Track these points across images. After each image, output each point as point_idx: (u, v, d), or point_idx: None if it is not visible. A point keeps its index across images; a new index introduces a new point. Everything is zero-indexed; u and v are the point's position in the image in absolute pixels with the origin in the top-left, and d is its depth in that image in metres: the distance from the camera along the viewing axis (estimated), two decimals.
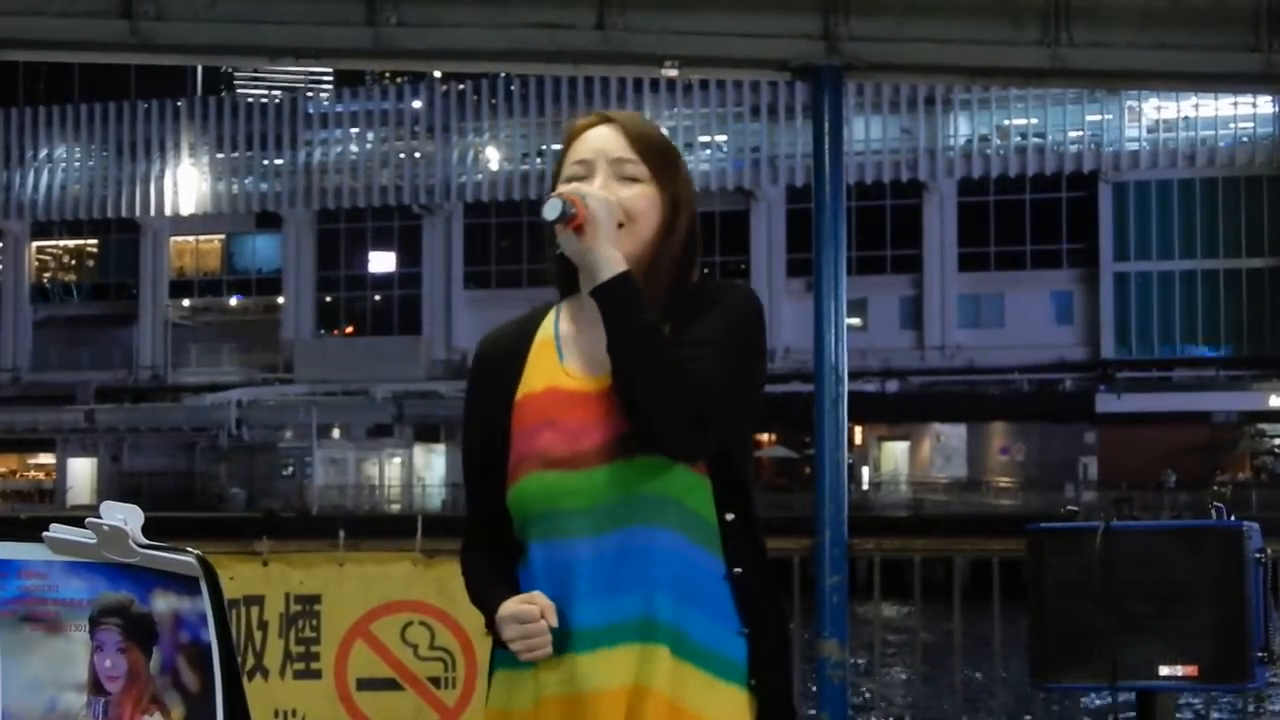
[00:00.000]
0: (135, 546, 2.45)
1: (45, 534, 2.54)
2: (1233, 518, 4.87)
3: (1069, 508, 5.91)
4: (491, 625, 2.44)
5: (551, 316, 2.56)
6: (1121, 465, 48.15)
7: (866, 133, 55.48)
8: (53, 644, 2.56)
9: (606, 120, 2.54)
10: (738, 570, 2.44)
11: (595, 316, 2.45)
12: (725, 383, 2.38)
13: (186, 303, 64.57)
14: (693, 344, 2.38)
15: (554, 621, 2.35)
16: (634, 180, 2.48)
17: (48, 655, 2.57)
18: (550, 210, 2.37)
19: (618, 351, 2.36)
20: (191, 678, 2.47)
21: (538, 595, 2.38)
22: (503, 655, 2.46)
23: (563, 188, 2.44)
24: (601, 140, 2.51)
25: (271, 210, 62.43)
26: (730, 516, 2.45)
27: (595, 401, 2.44)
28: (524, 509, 2.45)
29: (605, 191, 2.45)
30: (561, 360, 2.50)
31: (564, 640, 2.37)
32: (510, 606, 2.38)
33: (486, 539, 2.52)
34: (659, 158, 2.51)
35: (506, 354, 2.55)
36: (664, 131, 2.60)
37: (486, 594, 2.46)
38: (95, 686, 2.53)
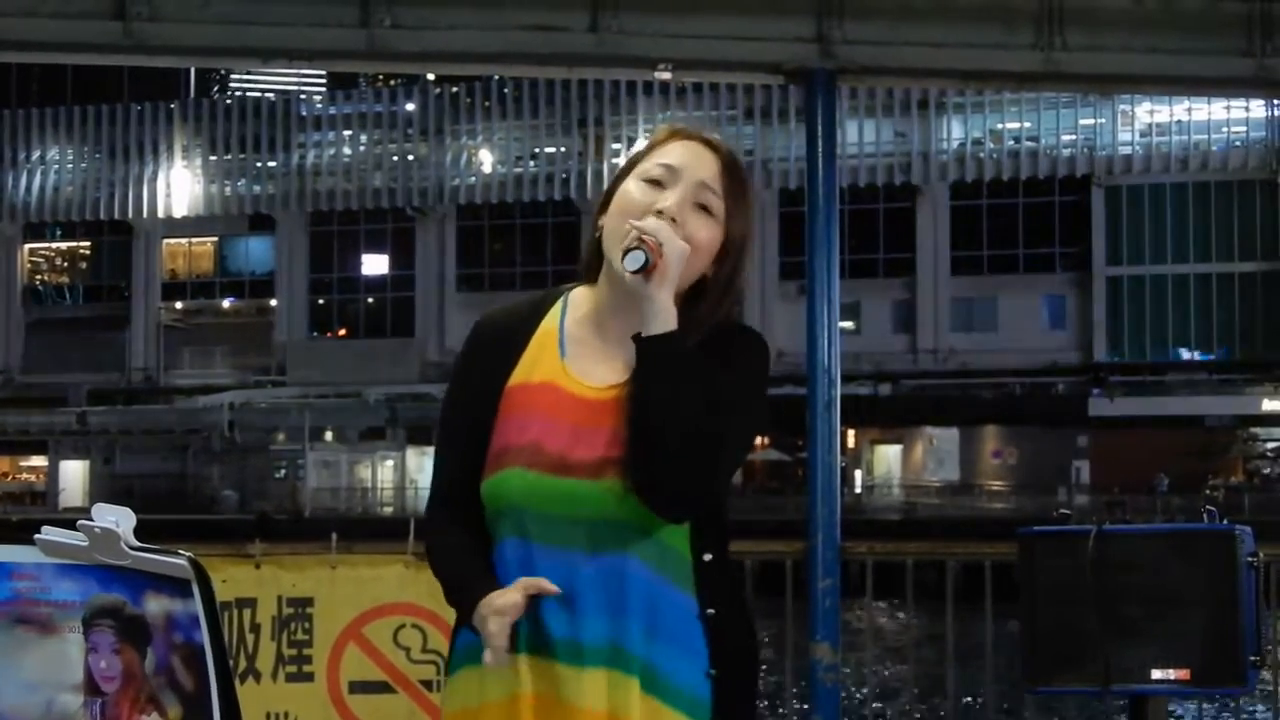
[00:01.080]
0: (127, 549, 2.45)
1: (37, 536, 2.54)
2: (1225, 521, 4.87)
3: (1061, 511, 5.91)
4: (465, 606, 2.38)
5: (558, 307, 2.52)
6: (1114, 469, 48.21)
7: (860, 136, 55.53)
8: (47, 645, 2.56)
9: (704, 140, 2.50)
10: (711, 611, 2.42)
11: (607, 319, 2.44)
12: (733, 448, 2.39)
13: (179, 305, 64.53)
14: (709, 395, 2.35)
15: (531, 592, 2.32)
16: (707, 211, 2.44)
17: (42, 657, 2.57)
18: (633, 262, 2.32)
19: (643, 405, 2.33)
20: (187, 678, 2.47)
21: (522, 583, 2.33)
22: (469, 652, 2.42)
23: (647, 224, 2.36)
24: (695, 158, 2.46)
25: (264, 212, 62.41)
26: (708, 557, 2.43)
27: (593, 411, 2.40)
28: (500, 502, 2.40)
29: (678, 217, 2.40)
30: (563, 357, 2.46)
31: (544, 645, 2.35)
32: (504, 599, 2.32)
33: (456, 505, 2.46)
34: (737, 199, 2.48)
35: (507, 335, 2.50)
36: (745, 169, 2.57)
37: (467, 575, 2.40)
38: (91, 687, 2.54)
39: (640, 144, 2.56)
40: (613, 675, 2.34)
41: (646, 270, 2.32)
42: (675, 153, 2.47)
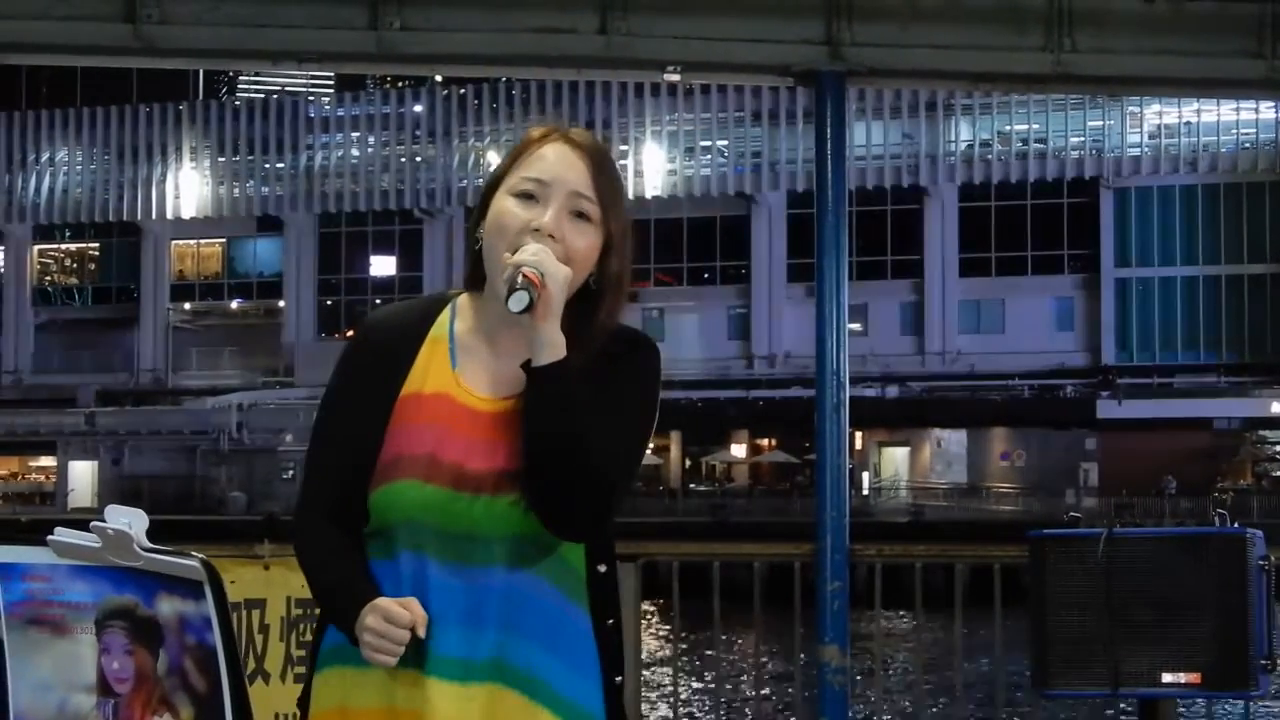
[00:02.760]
0: (139, 550, 2.45)
1: (50, 538, 2.54)
2: (1235, 524, 4.87)
3: (1071, 514, 5.90)
4: (344, 607, 2.32)
5: (447, 314, 2.46)
6: (1122, 471, 48.12)
7: (868, 138, 55.47)
8: (60, 646, 2.57)
9: (570, 141, 2.45)
10: (610, 622, 2.41)
11: (497, 330, 2.40)
12: (628, 461, 2.36)
13: (187, 306, 64.60)
14: (605, 413, 2.33)
15: (421, 634, 2.28)
16: (584, 218, 2.40)
17: (55, 657, 2.57)
18: (518, 303, 2.27)
19: (536, 436, 2.30)
20: (199, 679, 2.47)
21: (413, 603, 2.29)
22: (338, 652, 2.38)
23: (522, 256, 2.31)
24: (565, 166, 2.41)
25: (273, 214, 62.45)
26: (602, 568, 2.42)
27: (487, 424, 2.37)
28: (395, 514, 2.34)
29: (556, 233, 2.36)
30: (455, 367, 2.41)
31: (420, 659, 2.30)
32: (387, 605, 2.27)
33: (331, 513, 2.39)
34: (612, 197, 2.43)
35: (396, 340, 2.43)
36: (613, 160, 2.51)
37: (350, 581, 2.34)
38: (104, 688, 2.54)
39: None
40: (497, 691, 2.32)
41: (530, 307, 2.28)
42: (544, 163, 2.41)
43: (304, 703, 2.47)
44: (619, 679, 2.42)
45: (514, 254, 2.34)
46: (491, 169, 2.52)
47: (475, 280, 2.46)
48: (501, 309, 2.34)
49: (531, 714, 2.33)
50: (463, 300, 2.48)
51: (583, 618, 2.40)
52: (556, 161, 2.41)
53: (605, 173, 2.44)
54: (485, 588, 2.32)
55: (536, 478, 2.30)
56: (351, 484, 2.37)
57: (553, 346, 2.30)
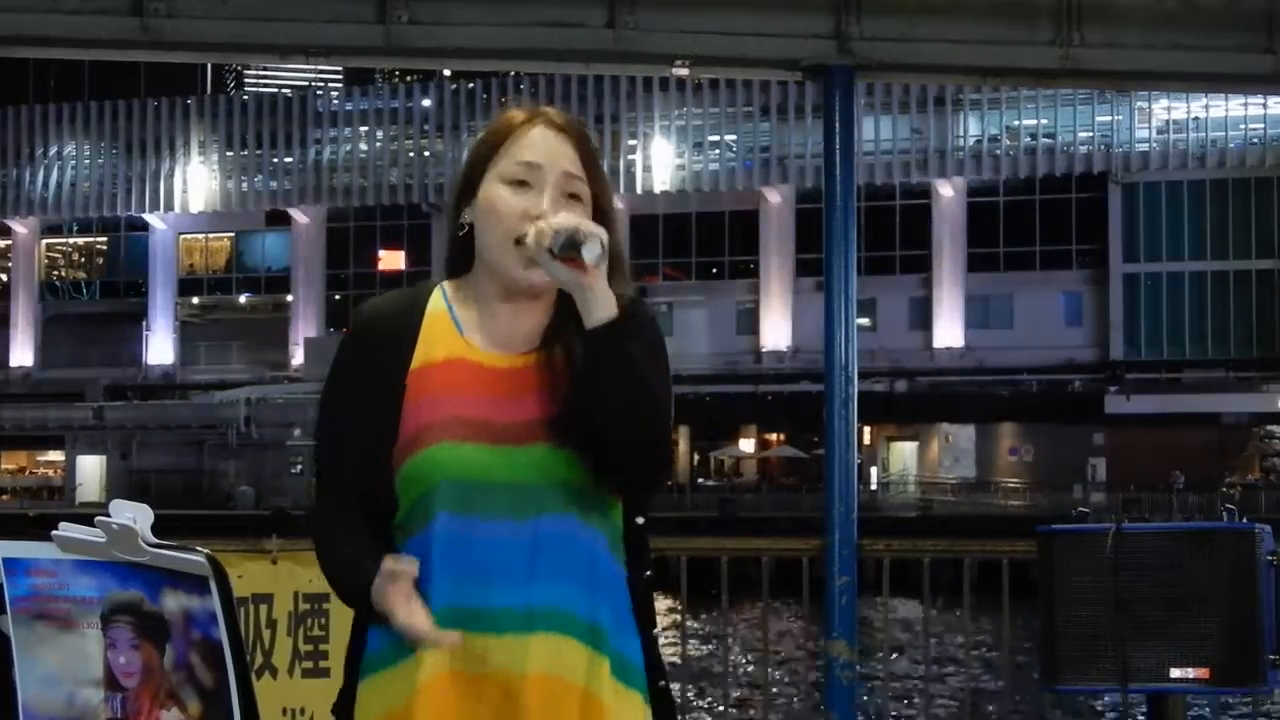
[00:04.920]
0: (145, 546, 2.45)
1: (54, 533, 2.54)
2: (1243, 520, 4.86)
3: (1080, 509, 5.89)
4: (364, 601, 2.27)
5: (438, 294, 2.45)
6: (1130, 467, 48.09)
7: (876, 132, 55.44)
8: (66, 641, 2.57)
9: (552, 124, 2.43)
10: (648, 574, 2.42)
11: (495, 306, 2.40)
12: (671, 408, 2.39)
13: (196, 300, 64.69)
14: (655, 375, 2.35)
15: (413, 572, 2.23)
16: (576, 199, 2.40)
17: (62, 652, 2.57)
18: (590, 251, 2.26)
19: (604, 396, 2.29)
20: (206, 674, 2.48)
21: (404, 557, 2.25)
22: (380, 655, 2.33)
23: (567, 220, 2.30)
24: (553, 149, 2.41)
25: (281, 208, 62.50)
26: (640, 520, 2.42)
27: (507, 379, 2.37)
28: (428, 480, 2.31)
29: (567, 211, 2.36)
30: (461, 333, 2.41)
31: (474, 619, 2.27)
32: (387, 564, 2.23)
33: (350, 501, 2.35)
34: (598, 172, 2.44)
35: (394, 324, 2.41)
36: (589, 134, 2.51)
37: (363, 562, 2.28)
38: (111, 682, 2.54)
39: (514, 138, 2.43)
40: (559, 640, 2.30)
41: (578, 260, 2.27)
42: (532, 147, 2.40)
43: (341, 710, 2.40)
44: (655, 632, 2.42)
45: (517, 240, 2.34)
46: (471, 148, 2.49)
47: (458, 266, 2.45)
48: (497, 288, 2.37)
49: (590, 663, 2.32)
50: (449, 284, 2.46)
51: (621, 569, 2.39)
52: (545, 145, 2.41)
53: (588, 149, 2.44)
54: (535, 539, 2.31)
55: (607, 437, 2.29)
56: (370, 470, 2.35)
57: (609, 303, 2.31)
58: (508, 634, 2.28)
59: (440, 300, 2.44)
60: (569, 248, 2.27)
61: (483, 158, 2.43)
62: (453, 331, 2.41)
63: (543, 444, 2.33)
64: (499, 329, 2.41)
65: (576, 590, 2.32)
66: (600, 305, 2.30)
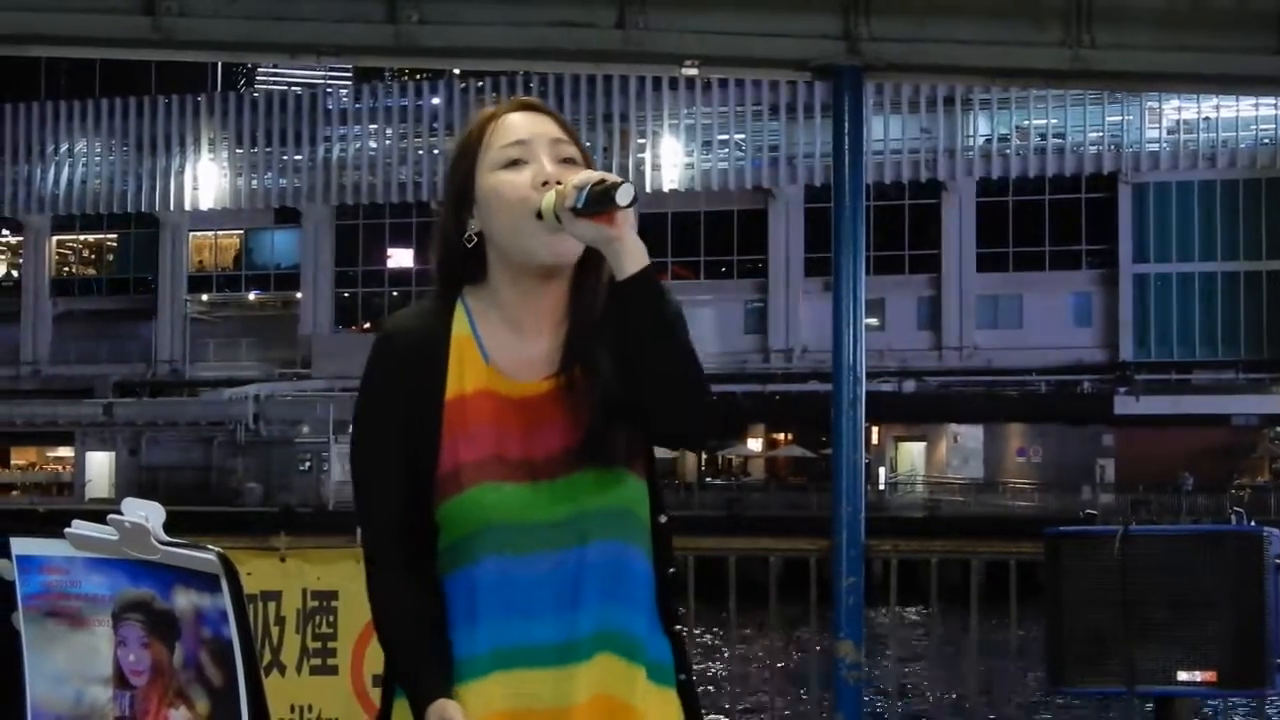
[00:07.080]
0: (156, 543, 2.46)
1: (67, 530, 2.55)
2: (1252, 522, 4.86)
3: (1087, 511, 5.89)
4: (416, 694, 2.30)
5: (461, 310, 2.42)
6: (1139, 468, 48.02)
7: (885, 132, 55.37)
8: (76, 638, 2.58)
9: (521, 104, 2.44)
10: (672, 571, 2.45)
11: (517, 313, 2.39)
12: None
13: (205, 297, 64.73)
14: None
15: None
16: (571, 162, 2.40)
17: (72, 649, 2.58)
18: (625, 195, 2.22)
19: (660, 340, 2.29)
20: (215, 673, 2.48)
21: (452, 706, 2.26)
22: None
23: (589, 175, 2.28)
24: (534, 123, 2.41)
25: (290, 206, 62.55)
26: (664, 519, 2.44)
27: (537, 409, 2.36)
28: (472, 522, 2.31)
29: (562, 179, 2.33)
30: (487, 361, 2.38)
31: (521, 656, 2.29)
32: (434, 712, 2.26)
33: (405, 540, 2.36)
34: (578, 143, 2.45)
35: (425, 346, 2.38)
36: None
37: (419, 654, 2.32)
38: (120, 680, 2.55)
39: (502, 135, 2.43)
40: (605, 661, 2.31)
41: (611, 210, 2.24)
42: (514, 127, 2.41)
43: None
44: (679, 628, 2.45)
45: (538, 211, 2.32)
46: (450, 162, 2.49)
47: (469, 275, 2.43)
48: (515, 291, 2.37)
49: (631, 676, 2.33)
50: (470, 297, 2.44)
51: (648, 568, 2.41)
52: (525, 122, 2.42)
53: (563, 121, 2.45)
54: (577, 568, 2.31)
55: (657, 383, 2.29)
56: (414, 500, 2.34)
57: (640, 253, 2.29)
58: (554, 667, 2.30)
59: (464, 320, 2.41)
60: (598, 201, 2.24)
61: (468, 160, 2.43)
62: (478, 359, 2.38)
63: (579, 471, 2.33)
64: (521, 350, 2.39)
65: (619, 608, 2.34)
66: (632, 256, 2.28)
